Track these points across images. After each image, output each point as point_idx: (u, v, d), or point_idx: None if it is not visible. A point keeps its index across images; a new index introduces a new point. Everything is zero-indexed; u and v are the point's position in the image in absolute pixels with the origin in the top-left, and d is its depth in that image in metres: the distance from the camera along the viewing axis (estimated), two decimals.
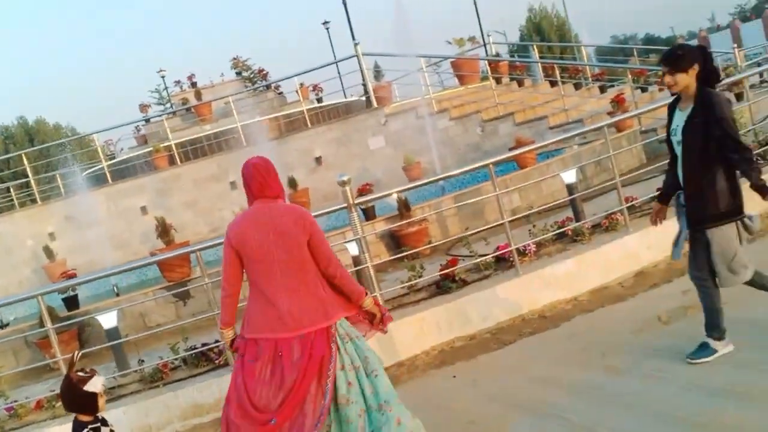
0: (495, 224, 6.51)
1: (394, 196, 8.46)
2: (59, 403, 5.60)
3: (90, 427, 3.44)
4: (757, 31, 36.72)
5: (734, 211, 3.94)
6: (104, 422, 3.52)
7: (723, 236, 3.93)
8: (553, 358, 4.94)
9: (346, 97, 17.90)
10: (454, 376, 5.08)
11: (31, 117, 34.93)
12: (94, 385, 3.43)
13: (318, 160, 13.62)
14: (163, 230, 8.32)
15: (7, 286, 12.57)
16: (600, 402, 4.07)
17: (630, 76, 12.05)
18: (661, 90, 13.35)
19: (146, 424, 5.32)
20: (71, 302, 8.46)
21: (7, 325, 9.48)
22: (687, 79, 3.85)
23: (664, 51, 4.10)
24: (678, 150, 4.02)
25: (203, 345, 5.85)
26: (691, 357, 4.17)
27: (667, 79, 3.92)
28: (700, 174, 3.93)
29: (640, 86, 12.47)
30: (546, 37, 30.85)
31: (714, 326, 4.17)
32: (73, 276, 8.54)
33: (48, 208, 13.81)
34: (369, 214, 9.04)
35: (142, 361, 5.90)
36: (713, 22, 67.94)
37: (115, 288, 9.28)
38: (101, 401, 3.46)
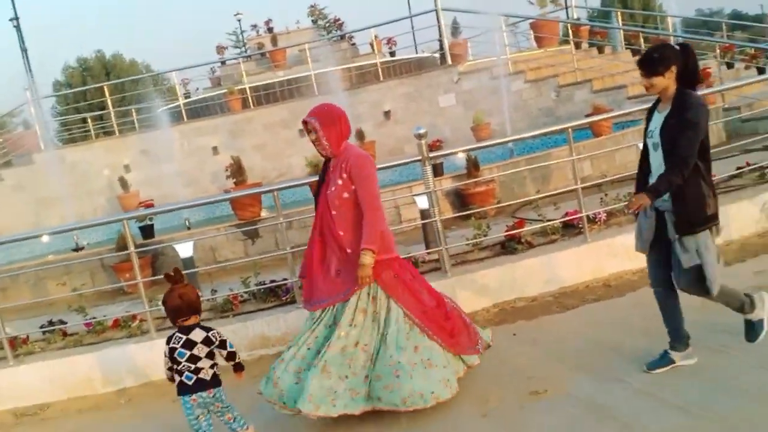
0: (566, 189, 6.48)
1: (462, 155, 8.47)
2: (135, 323, 5.96)
3: (201, 325, 3.76)
4: None
5: (715, 215, 3.85)
6: None
7: (708, 241, 3.83)
8: (617, 325, 4.95)
9: (417, 53, 17.74)
10: (515, 334, 5.15)
11: (108, 51, 35.89)
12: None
13: (387, 114, 13.65)
14: (238, 170, 8.55)
15: (83, 213, 13.22)
16: (662, 370, 4.09)
17: (718, 51, 11.55)
18: (747, 68, 12.80)
19: None
20: (147, 231, 8.85)
21: (82, 248, 9.99)
22: (664, 82, 3.72)
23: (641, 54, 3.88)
24: (655, 153, 3.86)
25: (272, 282, 6.08)
26: (649, 367, 4.07)
27: (644, 82, 3.82)
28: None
29: (726, 62, 11.96)
30: (629, 5, 29.66)
31: (680, 337, 4.07)
32: (151, 205, 8.91)
33: (124, 141, 14.34)
34: (437, 170, 9.06)
35: (215, 291, 6.17)
36: None
37: (187, 222, 9.63)
38: None
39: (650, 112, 3.95)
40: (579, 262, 5.89)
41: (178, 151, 13.50)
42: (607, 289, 5.73)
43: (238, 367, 3.87)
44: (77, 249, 9.92)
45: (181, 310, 3.69)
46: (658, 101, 3.90)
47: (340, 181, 3.94)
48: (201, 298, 3.88)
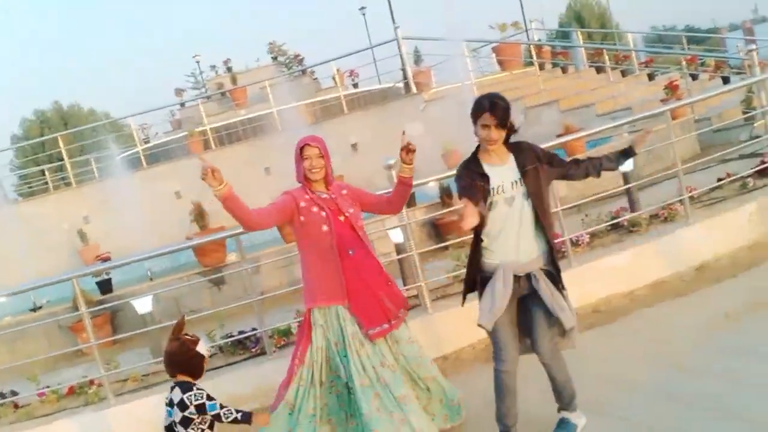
0: None
1: (433, 184, 8.15)
2: (91, 389, 5.45)
3: (198, 387, 3.39)
4: None
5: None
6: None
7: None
8: (613, 355, 4.61)
9: (380, 83, 17.56)
10: None
11: (65, 102, 35.31)
12: (202, 347, 3.46)
13: (354, 146, 13.34)
14: (199, 215, 8.13)
15: (42, 269, 12.54)
16: (671, 403, 3.75)
17: (684, 63, 11.51)
18: (711, 78, 12.81)
19: None
20: (105, 286, 8.35)
21: (40, 308, 9.42)
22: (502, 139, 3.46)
23: (489, 99, 3.42)
24: (510, 209, 3.43)
25: (240, 333, 5.63)
26: None
27: (493, 134, 3.38)
28: (549, 222, 3.54)
29: (691, 73, 11.93)
30: (586, 25, 30.12)
31: (573, 396, 3.73)
32: (107, 259, 8.42)
33: (82, 192, 13.79)
34: (409, 201, 8.70)
35: None
36: (756, 13, 66.01)
37: (149, 272, 9.14)
38: (205, 363, 3.50)
39: (478, 168, 3.48)
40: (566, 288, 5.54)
41: (139, 199, 12.96)
42: (598, 316, 5.40)
43: (245, 421, 3.40)
44: (35, 309, 9.35)
45: (165, 364, 3.47)
46: (475, 157, 3.52)
47: (351, 210, 3.86)
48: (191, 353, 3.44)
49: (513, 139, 3.57)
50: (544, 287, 3.47)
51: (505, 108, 3.40)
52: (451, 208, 7.68)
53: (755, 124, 9.31)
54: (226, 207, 3.37)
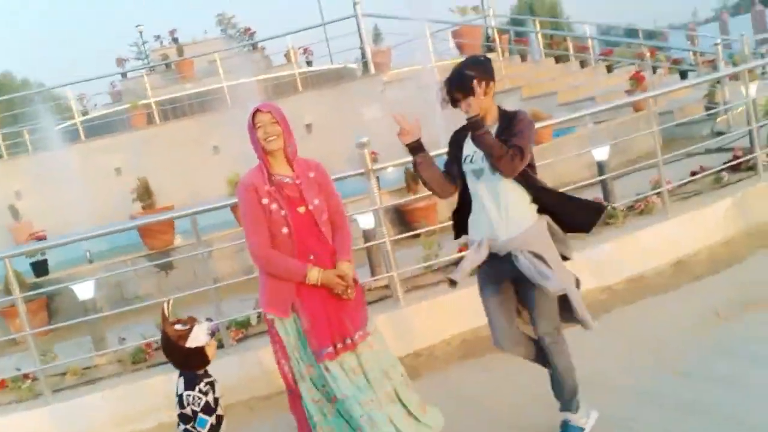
0: None
1: (391, 169, 7.79)
2: (25, 384, 4.91)
3: (206, 380, 3.02)
4: (746, 25, 36.52)
5: None
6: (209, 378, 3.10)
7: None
8: (595, 355, 4.36)
9: (332, 63, 16.98)
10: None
11: None
12: (196, 338, 3.00)
13: (308, 127, 12.81)
14: (145, 192, 7.53)
15: None
16: (660, 407, 3.56)
17: (649, 55, 11.48)
18: (667, 72, 12.86)
19: (127, 413, 4.63)
20: (40, 268, 7.66)
21: None
22: (485, 102, 3.18)
23: (452, 73, 3.28)
24: (477, 181, 3.26)
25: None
26: None
27: (462, 105, 3.18)
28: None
29: (653, 66, 11.93)
30: (536, 14, 30.29)
31: (574, 393, 3.44)
32: (42, 238, 7.73)
33: (15, 164, 12.84)
34: None
35: (124, 339, 5.18)
36: (695, 16, 68.52)
37: (88, 254, 8.47)
38: (210, 350, 3.03)
39: (458, 140, 3.40)
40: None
41: (76, 174, 12.13)
42: None
43: None
44: None
45: (172, 363, 3.15)
46: (464, 129, 3.29)
47: (317, 200, 3.28)
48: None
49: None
50: (524, 261, 3.17)
51: (458, 76, 3.19)
52: (416, 197, 7.33)
53: (717, 120, 9.31)
54: None
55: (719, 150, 7.78)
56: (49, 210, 11.56)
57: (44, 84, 34.27)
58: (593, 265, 5.42)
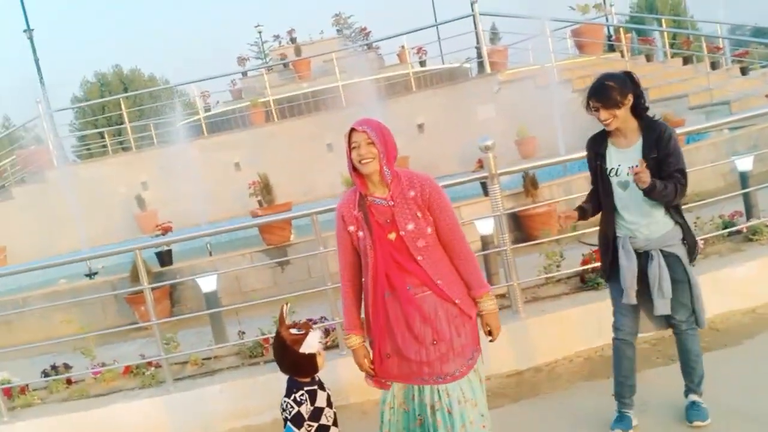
0: None
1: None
2: (149, 371, 5.08)
3: (306, 389, 2.96)
4: None
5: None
6: (321, 385, 3.05)
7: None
8: (740, 383, 3.97)
9: (443, 63, 16.78)
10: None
11: (126, 67, 35.50)
12: (310, 344, 2.96)
13: (420, 127, 12.76)
14: (265, 188, 7.68)
15: (98, 233, 12.39)
16: None
17: None
18: None
19: (245, 407, 4.68)
20: (165, 257, 8.00)
21: (96, 273, 9.17)
22: (623, 113, 3.34)
23: (593, 85, 3.42)
24: (624, 193, 3.48)
25: (309, 320, 5.16)
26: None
27: (603, 115, 3.35)
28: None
29: None
30: (658, 12, 28.77)
31: (702, 377, 3.70)
32: (168, 229, 8.05)
33: (142, 157, 13.59)
34: (484, 190, 8.13)
35: (243, 333, 5.27)
36: None
37: (208, 246, 8.77)
38: (320, 360, 2.98)
39: (599, 147, 3.55)
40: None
41: (198, 167, 12.67)
42: (715, 335, 4.74)
43: None
44: (90, 274, 9.13)
45: (281, 367, 3.11)
46: (603, 134, 3.52)
47: (419, 214, 2.92)
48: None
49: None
50: (654, 269, 3.42)
51: (606, 88, 3.31)
52: (539, 204, 7.05)
53: None
54: None
55: None
56: (172, 201, 12.15)
57: (169, 81, 36.33)
58: (735, 284, 5.00)
